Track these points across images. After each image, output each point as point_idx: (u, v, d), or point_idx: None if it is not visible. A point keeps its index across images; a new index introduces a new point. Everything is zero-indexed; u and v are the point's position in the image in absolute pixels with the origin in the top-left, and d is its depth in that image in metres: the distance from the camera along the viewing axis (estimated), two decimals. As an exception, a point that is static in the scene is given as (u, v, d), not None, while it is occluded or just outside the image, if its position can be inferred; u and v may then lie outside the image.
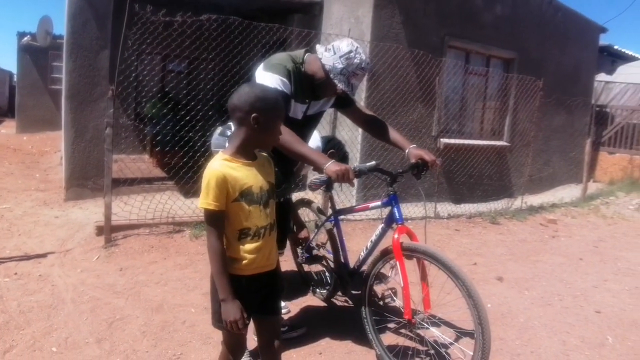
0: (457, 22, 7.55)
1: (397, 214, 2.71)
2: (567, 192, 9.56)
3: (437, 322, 2.91)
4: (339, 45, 2.53)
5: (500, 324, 3.51)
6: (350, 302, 3.57)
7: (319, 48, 2.61)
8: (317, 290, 3.62)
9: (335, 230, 3.21)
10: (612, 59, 14.63)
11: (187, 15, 5.10)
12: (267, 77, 2.46)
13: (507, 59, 8.68)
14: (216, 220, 1.79)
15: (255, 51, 6.45)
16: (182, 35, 5.48)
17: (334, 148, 3.64)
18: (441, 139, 7.40)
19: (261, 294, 1.95)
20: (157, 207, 4.99)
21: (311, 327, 3.19)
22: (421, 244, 2.65)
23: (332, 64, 2.51)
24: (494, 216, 6.97)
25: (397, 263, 2.58)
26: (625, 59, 14.93)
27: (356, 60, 2.51)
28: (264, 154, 1.97)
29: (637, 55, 15.43)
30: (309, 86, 2.62)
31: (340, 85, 2.51)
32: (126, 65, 5.50)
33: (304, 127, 2.74)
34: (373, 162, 2.71)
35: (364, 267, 2.96)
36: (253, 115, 1.76)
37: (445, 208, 7.03)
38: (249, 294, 1.88)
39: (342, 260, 3.17)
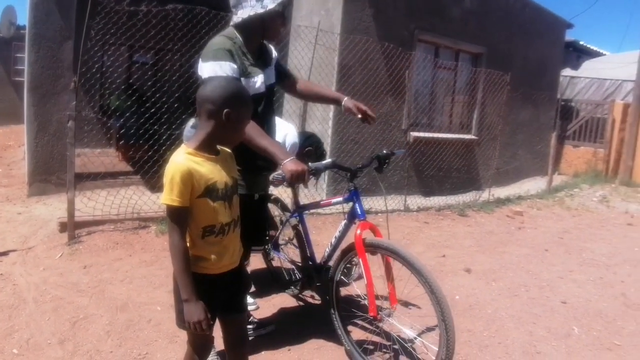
0: (426, 16, 7.58)
1: (358, 210, 2.69)
2: (533, 185, 9.76)
3: (403, 317, 2.91)
4: None
5: (468, 315, 3.54)
6: (314, 298, 3.55)
7: (235, 19, 2.49)
8: (286, 287, 3.58)
9: (300, 226, 3.18)
10: (578, 54, 14.97)
11: (153, 4, 4.97)
12: (211, 66, 2.31)
13: (475, 54, 8.78)
14: (180, 217, 1.72)
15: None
16: (147, 26, 5.34)
17: (311, 146, 3.57)
18: (411, 133, 7.45)
19: (226, 292, 1.90)
20: (122, 202, 4.87)
21: (280, 323, 3.16)
22: (384, 239, 2.64)
23: (250, 6, 2.40)
24: (463, 208, 7.06)
25: (360, 259, 2.56)
26: (590, 54, 15.31)
27: None
28: (227, 149, 1.91)
29: (601, 50, 15.86)
30: (257, 53, 2.53)
31: (273, 5, 2.39)
32: (89, 57, 5.33)
33: (269, 103, 2.63)
34: (330, 160, 2.69)
35: (330, 263, 2.94)
36: (226, 110, 1.70)
37: (415, 201, 7.08)
38: (214, 293, 1.83)
39: (309, 256, 3.14)
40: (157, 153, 4.99)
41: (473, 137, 8.84)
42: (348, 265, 2.87)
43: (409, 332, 2.91)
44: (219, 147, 1.85)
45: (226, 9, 5.54)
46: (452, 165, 8.21)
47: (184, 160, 1.71)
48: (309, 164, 2.44)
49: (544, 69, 10.51)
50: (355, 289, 3.07)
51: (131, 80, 9.03)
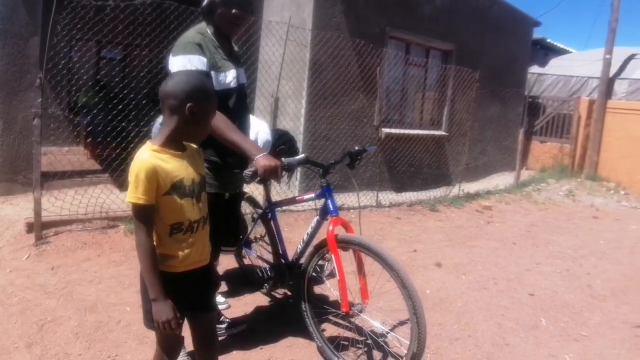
0: (397, 13, 7.63)
1: (330, 206, 2.69)
2: (502, 180, 9.96)
3: (375, 312, 2.92)
4: None
5: (439, 309, 3.59)
6: (286, 294, 3.55)
7: (202, 7, 2.48)
8: (258, 285, 3.54)
9: (272, 222, 3.16)
10: (545, 51, 15.26)
11: (120, -1, 4.88)
12: (180, 61, 2.29)
13: (445, 51, 8.88)
14: (146, 215, 1.69)
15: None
16: (115, 21, 5.24)
17: (285, 144, 3.55)
18: (382, 129, 7.50)
19: (195, 291, 1.87)
20: (89, 201, 4.77)
21: (252, 322, 3.15)
22: (356, 235, 2.65)
23: None
24: (433, 204, 7.15)
25: (332, 255, 2.56)
26: (556, 51, 15.63)
27: None
28: (193, 145, 1.88)
29: (568, 48, 16.20)
30: (226, 50, 2.50)
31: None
32: (56, 53, 5.19)
33: (242, 101, 2.60)
34: (303, 155, 2.66)
35: (303, 260, 2.94)
36: (189, 105, 1.67)
37: (387, 197, 7.14)
38: (182, 291, 1.80)
39: (281, 254, 3.13)
40: (125, 151, 4.90)
41: (443, 133, 8.96)
42: (320, 262, 2.88)
43: (380, 327, 2.93)
44: (185, 143, 1.82)
45: (195, 4, 5.47)
46: (423, 161, 8.30)
47: (149, 157, 1.68)
48: (282, 159, 2.44)
49: (512, 66, 10.70)
50: (328, 285, 3.08)
51: (99, 77, 8.83)
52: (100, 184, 5.38)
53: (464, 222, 6.46)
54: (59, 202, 4.63)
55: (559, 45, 15.89)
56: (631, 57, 11.89)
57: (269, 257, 3.34)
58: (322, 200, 2.80)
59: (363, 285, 2.60)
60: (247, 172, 2.83)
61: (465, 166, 8.63)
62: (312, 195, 2.86)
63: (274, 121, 5.64)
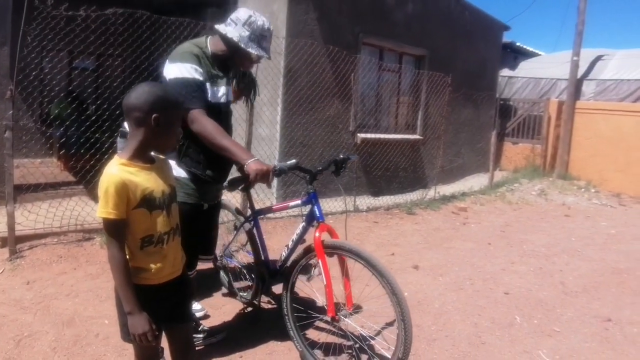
0: (370, 20, 7.73)
1: (317, 212, 2.72)
2: (476, 181, 10.13)
3: (360, 317, 2.95)
4: (237, 16, 2.52)
5: (417, 311, 3.64)
6: (272, 303, 3.53)
7: (219, 27, 2.54)
8: (239, 293, 3.54)
9: (255, 230, 3.17)
10: (515, 55, 15.57)
11: (92, 9, 4.83)
12: (177, 68, 2.36)
13: (418, 56, 9.02)
14: (117, 230, 1.69)
15: (166, 47, 6.19)
16: (86, 31, 5.18)
17: None
18: (358, 134, 7.58)
19: (170, 302, 1.88)
20: (64, 214, 4.71)
21: (231, 330, 3.15)
22: (342, 241, 2.69)
23: (239, 34, 2.47)
24: (410, 207, 7.23)
25: (319, 261, 2.58)
26: (526, 54, 15.96)
27: (259, 23, 2.51)
28: (161, 156, 1.88)
29: (537, 51, 16.56)
30: (221, 68, 2.57)
31: (255, 52, 2.50)
32: (26, 63, 5.12)
33: (228, 116, 2.68)
34: (293, 161, 2.69)
35: (286, 266, 2.94)
36: (154, 115, 1.67)
37: (364, 201, 7.20)
38: (157, 303, 1.81)
39: (264, 261, 3.14)
40: (99, 162, 4.86)
41: (418, 137, 9.08)
42: (305, 265, 2.89)
43: (365, 332, 2.95)
44: (154, 155, 1.83)
45: (167, 13, 5.47)
46: (399, 165, 8.40)
47: (118, 171, 1.68)
48: (275, 163, 2.52)
49: (483, 69, 10.92)
50: (311, 290, 3.08)
51: (72, 87, 8.72)
52: (75, 196, 5.31)
53: (441, 224, 6.55)
54: (33, 216, 4.56)
55: (528, 48, 16.25)
56: (598, 59, 12.25)
57: (250, 266, 3.34)
58: (307, 207, 2.82)
59: (348, 291, 2.63)
60: (230, 180, 2.84)
61: (440, 169, 8.76)
62: (298, 202, 2.87)
63: (250, 129, 5.65)
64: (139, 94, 1.71)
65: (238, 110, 6.51)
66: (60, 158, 7.43)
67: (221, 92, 2.55)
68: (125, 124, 3.41)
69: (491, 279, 4.49)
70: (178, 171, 2.42)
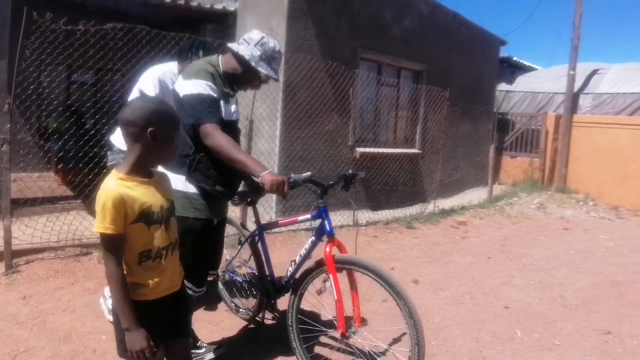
0: (368, 35, 7.78)
1: (328, 226, 2.69)
2: (475, 195, 10.13)
3: (369, 333, 2.88)
4: (250, 36, 2.58)
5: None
6: (274, 319, 3.45)
7: (231, 45, 2.60)
8: (241, 310, 3.48)
9: (260, 245, 3.13)
10: (512, 69, 15.69)
11: (91, 23, 4.86)
12: (192, 84, 2.39)
13: (416, 71, 9.07)
14: (114, 245, 1.67)
15: (165, 62, 6.26)
16: (85, 45, 5.21)
17: None
18: (357, 148, 7.59)
19: (168, 317, 1.86)
20: (62, 228, 4.68)
21: (232, 345, 3.12)
22: (353, 255, 2.66)
23: (251, 53, 2.53)
24: (409, 221, 7.22)
25: (330, 276, 2.55)
26: (523, 69, 16.09)
27: (271, 45, 2.58)
28: (160, 170, 1.87)
29: (534, 65, 16.69)
30: (231, 87, 2.62)
31: (264, 71, 2.54)
32: (24, 77, 5.13)
33: (237, 133, 2.70)
34: (308, 173, 2.69)
35: (295, 279, 2.91)
36: (150, 129, 1.66)
37: (364, 215, 7.19)
38: (155, 318, 1.78)
39: (269, 277, 3.09)
40: (98, 176, 4.84)
41: (417, 151, 9.10)
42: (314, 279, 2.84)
43: (374, 350, 2.89)
44: (152, 169, 1.82)
45: (166, 28, 5.50)
46: (398, 179, 8.40)
47: (115, 186, 1.66)
48: (290, 175, 2.51)
49: (480, 84, 10.98)
50: (324, 305, 3.00)
51: (70, 101, 8.74)
52: (73, 210, 5.29)
53: (440, 238, 6.54)
54: (30, 230, 4.54)
55: (525, 63, 16.37)
56: (594, 73, 12.34)
57: (253, 282, 3.29)
58: (315, 221, 2.80)
59: (356, 306, 2.60)
60: (241, 191, 2.86)
61: (439, 183, 8.76)
62: (308, 216, 2.85)
63: (249, 143, 5.65)
64: (133, 108, 1.70)
65: (238, 125, 6.54)
66: (58, 172, 7.42)
67: (233, 109, 2.60)
68: (112, 138, 3.41)
69: (491, 293, 4.47)
70: (187, 186, 2.44)
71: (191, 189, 2.45)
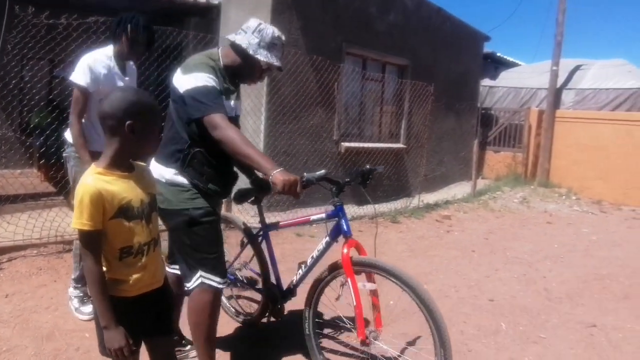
0: (353, 30, 7.78)
1: (345, 226, 2.55)
2: (459, 189, 10.21)
3: (390, 338, 2.78)
4: (247, 24, 2.46)
5: (402, 319, 3.62)
6: (275, 322, 3.29)
7: (229, 36, 2.49)
8: (241, 314, 3.33)
9: (265, 246, 3.02)
10: (495, 65, 15.81)
11: (73, 17, 4.78)
12: (193, 78, 2.25)
13: (401, 66, 9.09)
14: (93, 241, 1.63)
15: (148, 55, 6.20)
16: (68, 39, 5.13)
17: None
18: (342, 143, 7.59)
19: (150, 314, 1.82)
20: (44, 225, 4.62)
21: (226, 346, 3.08)
22: (372, 257, 2.54)
23: (248, 41, 2.40)
24: (394, 215, 7.25)
25: (349, 280, 2.42)
26: (506, 64, 16.22)
27: (269, 31, 2.44)
28: (142, 163, 1.83)
29: (517, 61, 16.83)
30: (232, 81, 2.50)
31: (263, 59, 2.40)
32: (6, 72, 5.05)
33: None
34: (322, 171, 2.56)
35: (312, 285, 2.74)
36: (128, 122, 1.61)
37: (349, 210, 7.19)
38: (137, 316, 1.75)
39: (274, 280, 2.97)
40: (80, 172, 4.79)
41: (402, 145, 9.13)
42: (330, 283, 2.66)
43: (396, 354, 2.79)
44: (134, 162, 1.77)
45: (151, 23, 5.41)
46: (382, 174, 8.42)
47: (93, 180, 1.62)
48: (306, 174, 2.39)
49: (464, 79, 11.05)
50: (336, 309, 2.83)
51: (52, 96, 8.60)
52: (55, 207, 5.22)
53: (425, 232, 6.58)
54: (12, 227, 4.47)
55: (508, 58, 16.50)
56: (577, 68, 12.50)
57: (254, 284, 3.19)
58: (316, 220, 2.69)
59: (377, 311, 2.49)
60: (239, 191, 2.75)
61: (424, 177, 8.80)
62: (322, 215, 2.69)
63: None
64: (111, 101, 1.65)
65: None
66: (41, 168, 7.31)
67: (232, 105, 2.49)
68: (65, 135, 3.31)
69: (476, 286, 4.51)
70: (177, 177, 2.34)
71: (181, 179, 2.33)
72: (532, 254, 5.76)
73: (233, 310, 3.42)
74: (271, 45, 2.44)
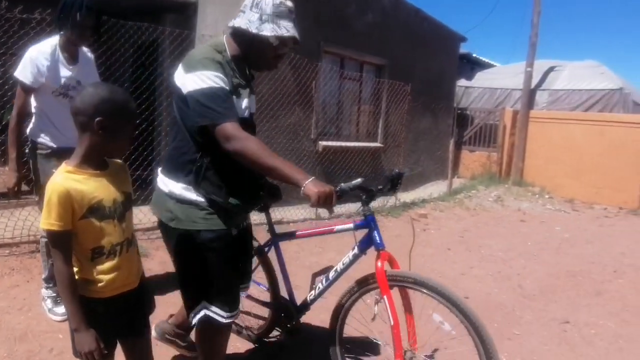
0: (332, 29, 7.79)
1: (378, 238, 2.34)
2: (435, 188, 10.31)
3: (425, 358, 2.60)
4: (244, 4, 2.11)
5: (378, 318, 3.64)
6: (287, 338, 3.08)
7: (229, 23, 2.14)
8: (244, 329, 3.06)
9: (276, 257, 2.80)
10: (471, 65, 16.01)
11: (47, 12, 4.68)
12: (198, 77, 1.92)
13: (378, 65, 9.14)
14: (62, 242, 1.59)
15: (123, 51, 6.11)
16: (41, 34, 5.03)
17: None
18: (320, 142, 7.60)
19: (125, 315, 1.78)
20: (17, 224, 4.52)
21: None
22: (407, 271, 2.37)
23: (247, 20, 2.04)
24: (372, 214, 7.27)
25: (385, 297, 2.23)
26: (482, 65, 16.44)
27: (267, 0, 2.04)
28: (118, 160, 1.78)
29: (492, 62, 17.10)
30: (242, 74, 2.13)
31: (269, 33, 2.01)
32: (-23, 68, 4.92)
33: (253, 131, 2.24)
34: (359, 180, 2.31)
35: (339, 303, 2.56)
36: (97, 119, 1.56)
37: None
38: (111, 316, 1.72)
39: (287, 294, 2.74)
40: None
41: (379, 144, 9.19)
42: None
43: None
44: (108, 160, 1.73)
45: (125, 18, 5.32)
46: (360, 173, 8.46)
47: (62, 179, 1.58)
48: (341, 184, 2.17)
49: (441, 79, 11.17)
50: (368, 328, 2.66)
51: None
52: (28, 205, 5.10)
53: (402, 231, 6.62)
54: (-17, 227, 4.37)
55: (484, 59, 16.74)
56: (551, 70, 12.74)
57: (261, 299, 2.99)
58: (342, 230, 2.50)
59: (412, 329, 2.32)
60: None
61: (401, 176, 8.86)
62: (350, 225, 2.46)
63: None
64: (83, 96, 1.60)
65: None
66: (12, 166, 7.14)
67: (244, 104, 2.12)
68: (28, 130, 3.22)
69: (451, 283, 4.56)
70: (192, 196, 2.02)
71: (194, 195, 2.02)
72: (506, 252, 5.85)
73: (234, 326, 3.03)
74: (276, 16, 2.04)
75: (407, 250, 5.68)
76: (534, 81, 11.91)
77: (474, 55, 15.93)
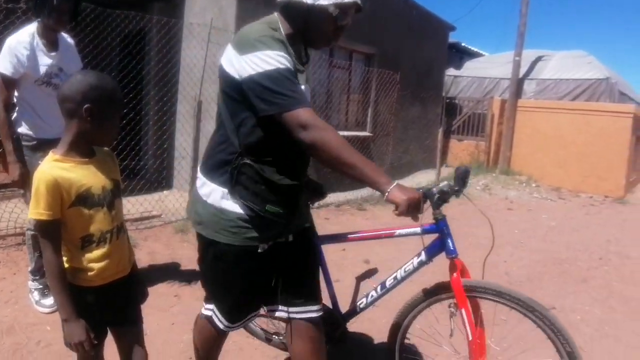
0: (319, 17, 7.73)
1: (451, 245, 2.12)
2: (424, 177, 10.36)
3: None
4: None
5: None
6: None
7: (278, 0, 1.83)
8: (275, 337, 2.69)
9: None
10: (460, 54, 16.02)
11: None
12: (258, 59, 1.62)
13: (368, 54, 9.12)
14: (51, 231, 1.58)
15: (110, 40, 6.03)
16: (27, 24, 4.94)
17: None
18: (309, 131, 7.57)
19: (116, 303, 1.78)
20: (2, 216, 4.48)
21: None
22: (483, 280, 2.19)
23: None
24: (361, 203, 7.31)
25: (462, 310, 2.04)
26: (471, 54, 16.47)
27: None
28: (105, 148, 1.76)
29: (481, 51, 17.12)
30: (300, 56, 1.88)
31: (330, 1, 1.72)
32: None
33: None
34: (445, 182, 2.08)
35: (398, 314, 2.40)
36: (85, 106, 1.54)
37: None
38: (102, 305, 1.71)
39: (330, 301, 2.48)
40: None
41: (368, 134, 9.19)
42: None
43: None
44: (95, 148, 1.71)
45: (113, 6, 5.25)
46: (349, 162, 8.47)
47: (49, 168, 1.56)
48: (433, 189, 2.01)
49: (430, 69, 11.17)
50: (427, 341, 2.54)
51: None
52: (15, 198, 5.06)
53: (390, 220, 6.64)
54: (-33, 218, 4.31)
55: (473, 49, 16.76)
56: (539, 59, 12.80)
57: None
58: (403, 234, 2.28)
59: (482, 344, 2.12)
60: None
61: (390, 165, 8.90)
62: (417, 229, 2.12)
63: (198, 125, 5.54)
64: (70, 83, 1.59)
65: (185, 106, 6.40)
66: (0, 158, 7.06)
67: (307, 90, 1.90)
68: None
69: (439, 271, 4.59)
70: (222, 204, 1.79)
71: (226, 203, 1.78)
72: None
73: (262, 332, 2.71)
74: None
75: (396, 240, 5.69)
76: (522, 70, 11.97)
77: (463, 44, 15.95)
